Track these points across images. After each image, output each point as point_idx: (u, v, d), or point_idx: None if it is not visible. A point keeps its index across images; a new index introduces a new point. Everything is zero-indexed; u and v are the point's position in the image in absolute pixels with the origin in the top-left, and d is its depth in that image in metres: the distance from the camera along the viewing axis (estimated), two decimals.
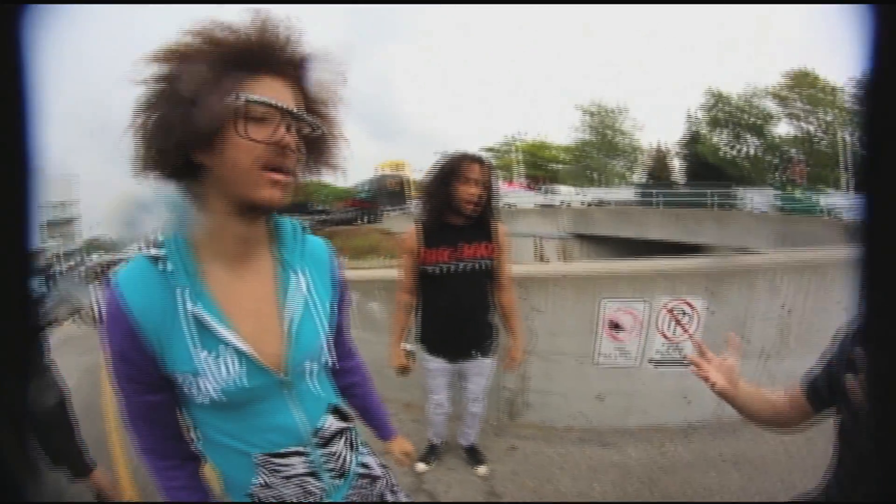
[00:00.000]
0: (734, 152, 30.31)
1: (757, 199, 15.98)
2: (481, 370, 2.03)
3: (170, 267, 0.68)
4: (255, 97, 0.63)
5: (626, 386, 2.55)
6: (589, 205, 20.35)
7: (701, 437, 2.46)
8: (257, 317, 0.74)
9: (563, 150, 39.58)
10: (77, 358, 7.46)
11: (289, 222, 0.85)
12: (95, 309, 10.26)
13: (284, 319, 0.76)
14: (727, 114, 30.34)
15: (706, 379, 0.93)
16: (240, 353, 0.70)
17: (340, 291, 0.92)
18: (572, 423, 2.64)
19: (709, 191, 14.77)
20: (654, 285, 2.45)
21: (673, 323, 2.47)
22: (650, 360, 2.49)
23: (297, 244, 0.83)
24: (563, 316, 2.53)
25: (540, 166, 39.07)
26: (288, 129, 0.66)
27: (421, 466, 2.35)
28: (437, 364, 2.00)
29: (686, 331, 2.47)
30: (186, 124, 0.61)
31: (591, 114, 37.30)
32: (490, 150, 42.55)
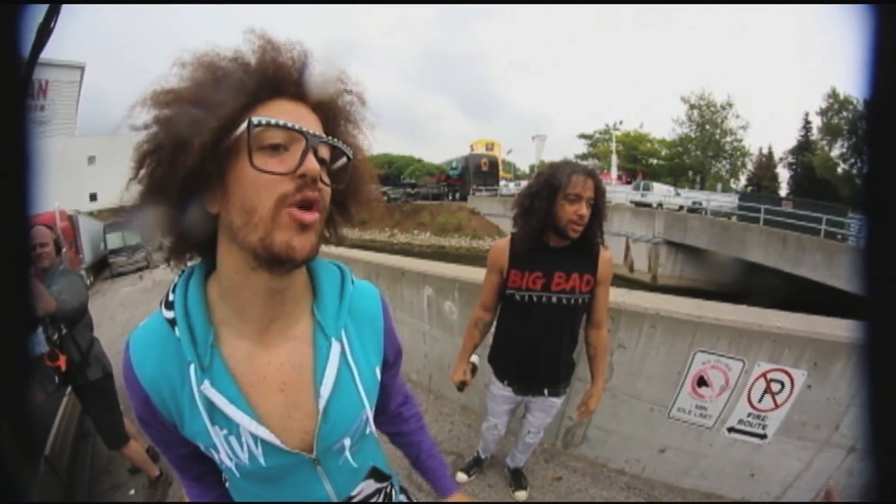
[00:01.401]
0: (848, 167, 25.83)
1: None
2: (547, 408, 1.88)
3: (177, 333, 0.59)
4: (264, 119, 0.52)
5: (692, 445, 2.33)
6: (681, 208, 18.67)
7: None
8: (285, 390, 0.64)
9: (663, 143, 37.02)
10: None
11: (331, 270, 0.72)
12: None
13: (317, 394, 0.65)
14: (848, 122, 25.65)
15: None
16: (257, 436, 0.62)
17: (392, 345, 0.80)
18: (626, 468, 2.49)
19: (823, 216, 12.76)
20: (759, 346, 2.12)
21: (765, 393, 2.20)
22: (728, 427, 2.26)
23: (338, 299, 0.70)
24: (648, 359, 2.30)
25: (638, 160, 36.95)
26: (313, 154, 0.54)
27: (462, 477, 2.33)
28: (502, 392, 1.86)
29: (777, 404, 2.20)
30: (188, 169, 0.51)
31: (696, 107, 34.23)
32: (586, 137, 40.64)
